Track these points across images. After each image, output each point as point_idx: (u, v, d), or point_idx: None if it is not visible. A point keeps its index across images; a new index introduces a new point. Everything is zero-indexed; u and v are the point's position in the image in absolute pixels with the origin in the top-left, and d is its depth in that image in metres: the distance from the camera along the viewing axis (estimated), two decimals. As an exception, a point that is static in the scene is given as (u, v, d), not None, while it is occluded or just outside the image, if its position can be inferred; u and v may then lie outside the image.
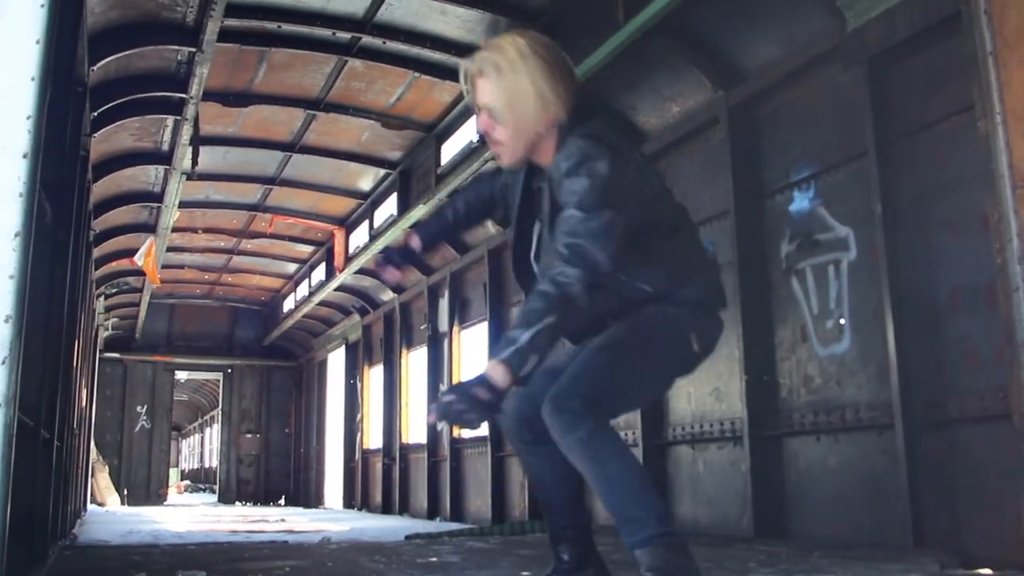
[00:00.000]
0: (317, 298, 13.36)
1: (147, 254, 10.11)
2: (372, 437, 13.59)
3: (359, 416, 14.16)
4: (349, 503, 14.48)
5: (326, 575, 4.14)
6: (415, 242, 3.03)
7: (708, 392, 6.01)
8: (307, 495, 17.30)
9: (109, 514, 13.04)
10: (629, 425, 6.76)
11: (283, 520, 10.67)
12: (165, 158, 8.25)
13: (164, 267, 11.66)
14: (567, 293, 2.43)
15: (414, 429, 11.83)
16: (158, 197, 9.15)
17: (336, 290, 12.78)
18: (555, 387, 2.47)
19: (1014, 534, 3.84)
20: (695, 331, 2.70)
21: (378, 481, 12.84)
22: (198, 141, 7.74)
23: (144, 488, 16.90)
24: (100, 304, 12.95)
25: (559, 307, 2.44)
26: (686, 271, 2.71)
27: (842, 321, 4.96)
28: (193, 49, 6.17)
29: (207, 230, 12.51)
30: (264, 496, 18.09)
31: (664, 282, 2.69)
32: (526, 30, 2.70)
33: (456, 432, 10.09)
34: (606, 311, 2.67)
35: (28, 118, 2.19)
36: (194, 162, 7.88)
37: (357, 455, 14.15)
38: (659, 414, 6.44)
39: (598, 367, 2.54)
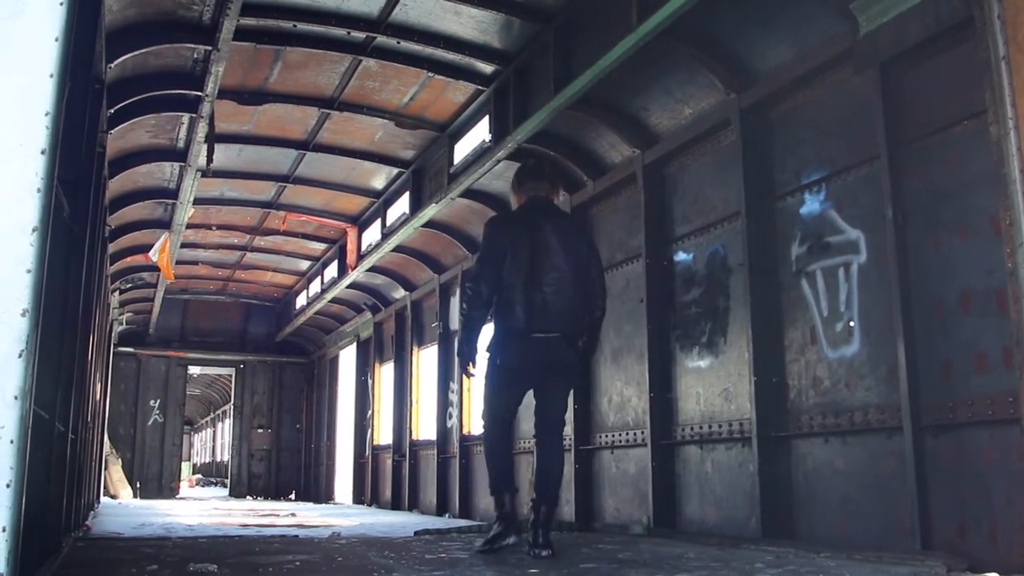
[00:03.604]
0: (329, 295, 13.41)
1: (162, 250, 10.18)
2: (382, 433, 13.64)
3: (370, 412, 14.22)
4: (359, 499, 14.54)
5: (336, 570, 4.17)
6: (471, 370, 4.91)
7: (717, 393, 6.02)
8: (317, 490, 17.38)
9: (122, 507, 13.14)
10: (638, 425, 6.78)
11: (293, 515, 10.73)
12: (180, 155, 8.32)
13: (178, 263, 11.73)
14: (460, 310, 4.90)
15: (424, 426, 11.87)
16: (173, 194, 9.22)
17: (348, 287, 12.82)
18: None
19: (1021, 538, 3.85)
20: (500, 359, 4.80)
21: (388, 477, 12.89)
22: (213, 138, 7.79)
23: (156, 481, 17.01)
24: (115, 299, 13.05)
25: (461, 318, 4.89)
26: (504, 311, 4.78)
27: (852, 324, 4.97)
28: (209, 47, 6.22)
29: (221, 227, 12.57)
30: (275, 491, 18.18)
31: (500, 319, 4.81)
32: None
33: (467, 428, 10.14)
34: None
35: (46, 114, 2.23)
36: (209, 159, 7.94)
37: (367, 451, 14.20)
38: (668, 414, 6.46)
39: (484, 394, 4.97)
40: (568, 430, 7.61)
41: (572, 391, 4.80)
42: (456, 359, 5.15)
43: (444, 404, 10.82)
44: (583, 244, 4.99)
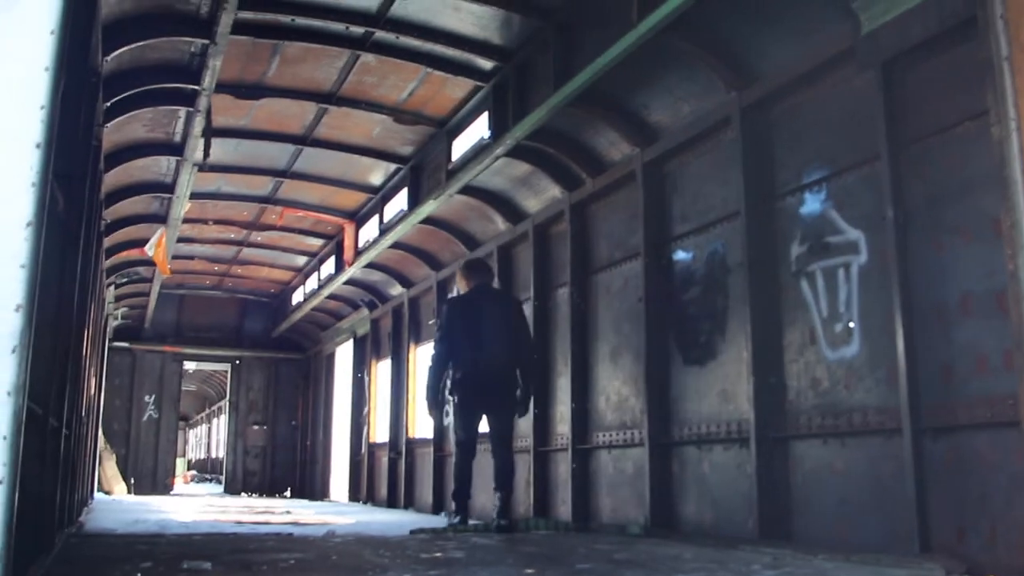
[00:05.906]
0: (326, 291, 13.38)
1: (157, 244, 10.15)
2: (378, 431, 13.61)
3: (366, 410, 14.19)
4: (355, 496, 14.51)
5: (330, 568, 4.15)
6: (436, 417, 7.53)
7: (715, 393, 6.00)
8: (313, 487, 17.35)
9: (116, 503, 13.11)
10: (636, 424, 6.76)
11: (288, 512, 10.70)
12: (177, 149, 8.28)
13: (174, 258, 11.69)
14: (428, 367, 7.09)
15: (420, 424, 11.85)
16: (169, 188, 9.18)
17: (345, 284, 12.79)
18: None
19: (1020, 541, 3.83)
20: (458, 396, 6.84)
21: (384, 475, 12.86)
22: (210, 133, 7.76)
23: (151, 477, 16.97)
24: (110, 294, 13.01)
25: (427, 374, 7.07)
26: (459, 363, 6.80)
27: (851, 324, 4.94)
28: (206, 41, 6.18)
29: (218, 221, 12.53)
30: (270, 488, 18.15)
31: (456, 369, 6.80)
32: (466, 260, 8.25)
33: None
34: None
35: (41, 108, 2.20)
36: (206, 154, 7.91)
37: (363, 449, 14.17)
38: (666, 414, 6.44)
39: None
40: (564, 429, 7.65)
41: (515, 413, 7.02)
42: (425, 398, 7.19)
43: (441, 402, 10.76)
44: (513, 314, 7.05)
